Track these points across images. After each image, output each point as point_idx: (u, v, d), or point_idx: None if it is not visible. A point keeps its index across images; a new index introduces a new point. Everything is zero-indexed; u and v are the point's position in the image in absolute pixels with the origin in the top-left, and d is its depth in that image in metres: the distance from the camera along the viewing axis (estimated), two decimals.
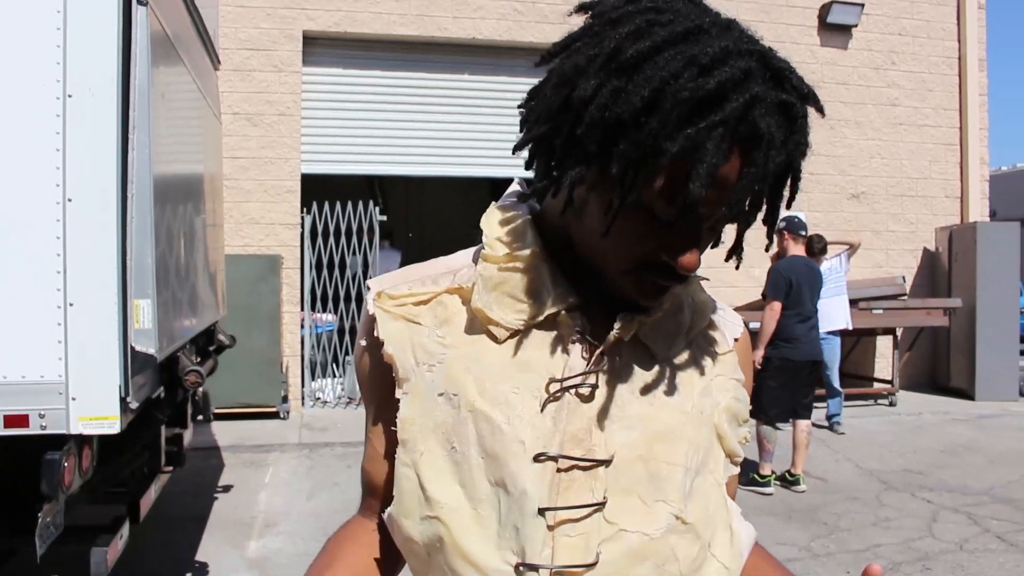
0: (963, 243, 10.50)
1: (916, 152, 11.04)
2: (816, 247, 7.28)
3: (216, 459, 6.81)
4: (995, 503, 6.04)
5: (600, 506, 0.89)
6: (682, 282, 0.93)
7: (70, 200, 2.95)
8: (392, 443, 0.97)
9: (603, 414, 0.91)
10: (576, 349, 0.93)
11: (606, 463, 0.90)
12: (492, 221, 0.99)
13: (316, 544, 4.98)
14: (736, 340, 1.06)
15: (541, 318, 0.94)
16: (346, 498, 5.89)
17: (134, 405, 3.05)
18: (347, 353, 9.10)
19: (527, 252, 0.95)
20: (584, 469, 0.89)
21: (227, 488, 6.05)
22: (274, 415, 8.13)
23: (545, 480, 0.88)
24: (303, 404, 8.86)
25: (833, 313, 7.91)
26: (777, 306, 6.19)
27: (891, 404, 9.77)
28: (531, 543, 0.88)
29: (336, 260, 8.83)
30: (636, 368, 0.95)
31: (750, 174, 0.82)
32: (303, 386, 8.94)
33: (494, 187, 11.19)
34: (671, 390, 0.95)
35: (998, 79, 66.62)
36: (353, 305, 8.89)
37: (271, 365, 8.06)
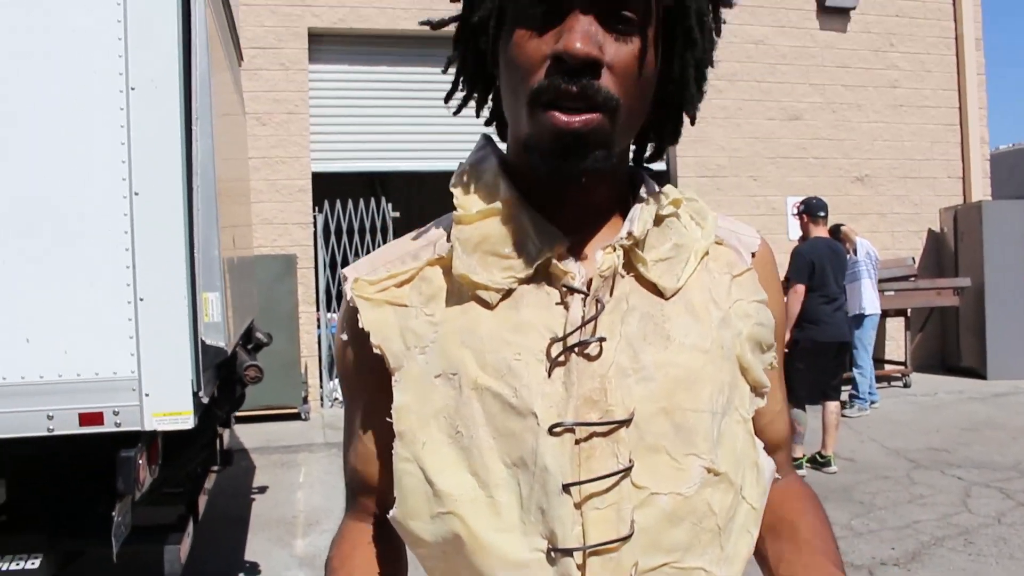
0: (968, 223, 10.55)
1: (918, 133, 11.10)
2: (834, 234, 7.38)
3: (246, 461, 6.77)
4: None
5: (627, 471, 0.81)
6: (577, 80, 0.79)
7: (137, 194, 2.92)
8: (387, 439, 0.88)
9: (616, 368, 0.83)
10: (576, 300, 0.84)
11: (626, 423, 0.81)
12: (460, 181, 0.91)
13: None
14: (754, 255, 0.96)
15: (531, 271, 0.85)
16: None
17: (205, 400, 3.02)
18: None
19: (499, 203, 0.87)
20: (604, 434, 0.81)
21: (263, 489, 6.01)
22: (295, 416, 8.08)
23: (565, 453, 0.80)
24: (322, 405, 8.82)
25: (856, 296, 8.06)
26: (801, 288, 6.20)
27: (905, 385, 9.81)
28: (560, 524, 0.79)
29: (349, 259, 8.79)
30: (645, 310, 0.86)
31: None
32: (321, 387, 8.90)
33: None
34: (687, 328, 0.86)
35: (996, 58, 66.46)
36: None
37: (290, 366, 8.01)
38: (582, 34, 0.78)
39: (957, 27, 11.27)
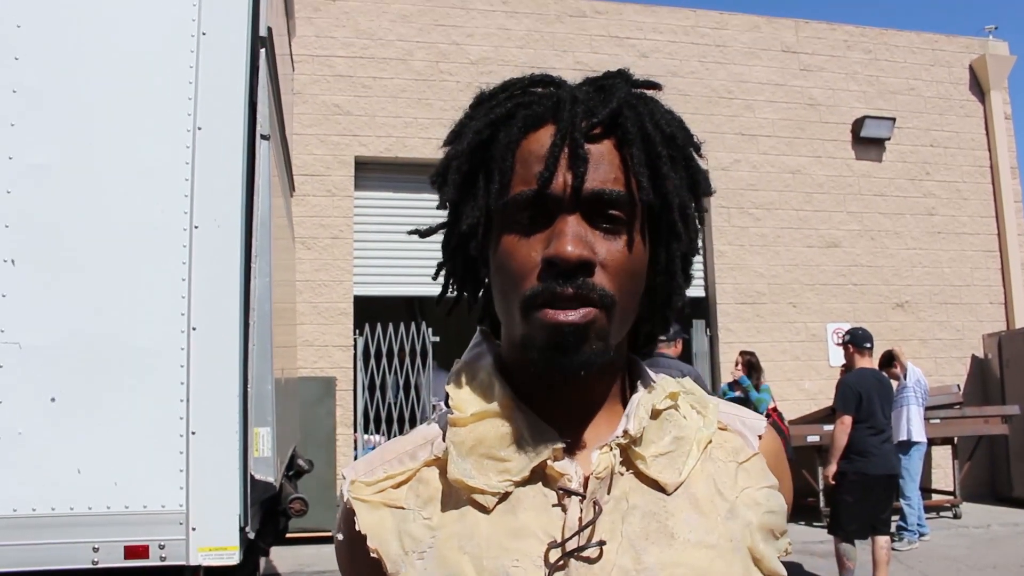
0: (1013, 349, 10.39)
1: (957, 259, 11.09)
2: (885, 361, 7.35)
3: None
4: None
5: None
6: (572, 281, 0.79)
7: (195, 329, 2.99)
8: None
9: (618, 571, 0.80)
10: (573, 503, 0.82)
11: None
12: (455, 380, 0.91)
13: None
14: (760, 437, 0.94)
15: (527, 473, 0.83)
16: None
17: (252, 535, 3.01)
18: None
19: (495, 404, 0.86)
20: None
21: None
22: (330, 540, 7.96)
23: None
24: None
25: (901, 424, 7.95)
26: (848, 420, 6.09)
27: (955, 516, 9.48)
28: None
29: (389, 381, 8.83)
30: (647, 508, 0.84)
31: (561, 132, 0.81)
32: None
33: None
34: (691, 524, 0.84)
35: None
36: (407, 426, 8.83)
37: (326, 488, 7.95)
38: (573, 237, 0.79)
39: (992, 156, 11.41)
